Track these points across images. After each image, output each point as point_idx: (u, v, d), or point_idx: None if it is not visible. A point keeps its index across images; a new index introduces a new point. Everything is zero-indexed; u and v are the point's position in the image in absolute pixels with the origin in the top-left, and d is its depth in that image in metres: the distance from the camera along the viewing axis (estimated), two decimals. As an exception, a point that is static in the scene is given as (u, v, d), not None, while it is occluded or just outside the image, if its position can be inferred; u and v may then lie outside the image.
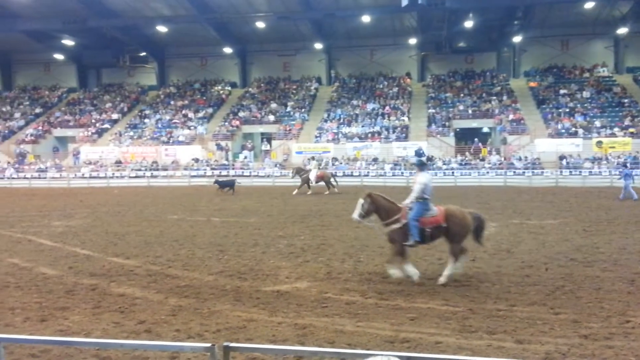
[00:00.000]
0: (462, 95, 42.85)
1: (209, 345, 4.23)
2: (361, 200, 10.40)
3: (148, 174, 37.59)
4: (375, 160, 37.06)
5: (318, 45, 45.55)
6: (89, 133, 43.06)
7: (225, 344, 4.20)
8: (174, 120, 43.81)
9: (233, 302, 8.96)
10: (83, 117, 45.63)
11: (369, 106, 42.73)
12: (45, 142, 43.88)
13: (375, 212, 10.37)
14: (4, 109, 48.16)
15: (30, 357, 6.76)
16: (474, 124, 40.81)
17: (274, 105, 44.29)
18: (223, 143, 40.39)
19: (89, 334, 7.64)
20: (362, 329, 7.62)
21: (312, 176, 27.63)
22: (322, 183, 28.03)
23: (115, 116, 45.65)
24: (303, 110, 43.61)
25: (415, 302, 8.79)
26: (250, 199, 25.38)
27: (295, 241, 14.24)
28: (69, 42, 45.53)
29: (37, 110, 47.63)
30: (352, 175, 35.41)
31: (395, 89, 44.73)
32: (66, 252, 13.26)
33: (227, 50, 46.90)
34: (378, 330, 7.58)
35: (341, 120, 41.43)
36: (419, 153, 35.93)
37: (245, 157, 39.77)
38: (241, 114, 43.73)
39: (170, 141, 41.03)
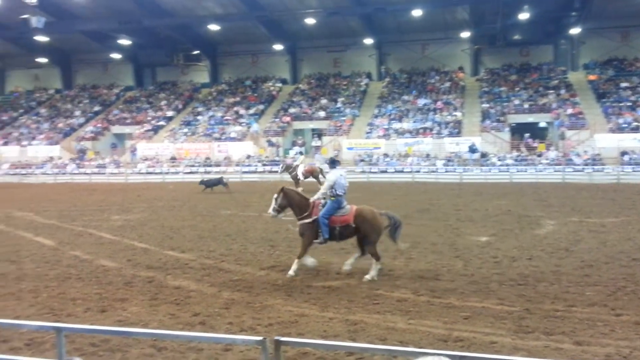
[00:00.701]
0: (517, 89, 41.65)
1: (260, 338, 4.27)
2: (275, 195, 10.64)
3: (201, 169, 38.35)
4: (427, 156, 36.57)
5: (368, 41, 45.27)
6: (145, 130, 44.31)
7: (277, 338, 4.22)
8: (225, 117, 44.53)
9: (284, 297, 9.03)
10: (139, 114, 46.98)
11: (421, 101, 42.18)
12: (104, 139, 45.44)
13: (289, 206, 10.56)
14: (65, 107, 50.17)
15: (90, 346, 7.00)
16: (530, 118, 39.60)
17: (324, 101, 44.36)
18: (274, 139, 40.78)
19: (147, 324, 7.86)
20: (414, 327, 7.54)
21: (300, 172, 26.46)
22: (311, 178, 26.53)
23: (170, 113, 46.79)
24: (353, 106, 43.49)
25: (469, 301, 8.62)
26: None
27: (345, 237, 14.19)
28: (125, 41, 46.94)
29: (96, 108, 49.35)
30: (403, 172, 35.04)
31: (448, 84, 43.96)
32: (124, 245, 13.70)
33: (278, 47, 47.25)
34: (430, 328, 7.48)
35: (392, 116, 41.07)
36: (472, 149, 35.21)
37: (296, 153, 40.03)
38: (292, 110, 44.01)
39: (223, 137, 41.73)
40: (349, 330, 7.41)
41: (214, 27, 43.51)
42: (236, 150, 39.96)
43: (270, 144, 40.45)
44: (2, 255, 12.72)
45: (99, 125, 46.44)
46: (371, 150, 37.83)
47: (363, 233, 10.17)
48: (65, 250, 13.26)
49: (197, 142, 41.51)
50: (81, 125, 46.92)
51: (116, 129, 46.21)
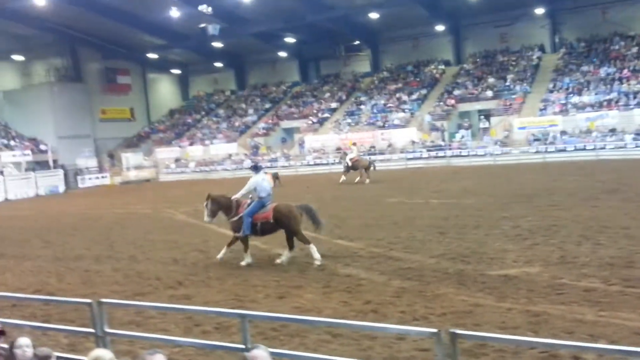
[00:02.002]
0: None
1: (435, 330, 4.07)
2: (205, 203, 11.82)
3: (366, 158, 38.77)
4: (612, 131, 32.95)
5: (539, 10, 41.93)
6: (312, 123, 46.03)
7: (452, 330, 3.98)
8: (388, 105, 44.50)
9: (457, 286, 8.69)
10: (305, 108, 48.93)
11: (603, 71, 38.07)
12: (275, 134, 48.11)
13: (220, 209, 11.80)
14: (240, 107, 54.08)
15: (272, 331, 7.36)
16: None
17: (491, 80, 42.16)
18: (438, 123, 39.81)
19: (321, 311, 8.06)
20: (606, 319, 6.76)
21: (347, 159, 26.94)
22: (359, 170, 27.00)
23: (333, 105, 48.03)
24: (524, 82, 40.68)
25: (673, 292, 7.51)
26: (471, 180, 24.53)
27: (521, 222, 13.31)
28: (290, 39, 49.11)
29: (267, 106, 52.42)
30: (585, 150, 32.03)
31: (635, 49, 39.06)
32: (297, 235, 14.26)
33: (439, 28, 45.90)
34: (625, 320, 6.65)
35: (570, 90, 37.66)
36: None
37: (463, 137, 38.64)
38: (456, 92, 42.53)
39: (386, 125, 41.78)
40: (530, 322, 6.87)
41: (373, 15, 43.60)
42: (400, 137, 39.72)
43: (435, 128, 39.55)
44: (193, 246, 14.01)
45: (270, 121, 49.27)
46: (546, 128, 35.13)
47: (284, 226, 11.42)
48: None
49: (360, 131, 42.07)
50: (254, 123, 50.18)
51: (285, 123, 48.63)
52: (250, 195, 11.66)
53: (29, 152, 43.56)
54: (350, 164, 27.40)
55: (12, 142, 46.87)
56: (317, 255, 10.97)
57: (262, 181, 11.54)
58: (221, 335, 7.25)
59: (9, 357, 4.39)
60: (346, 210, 18.02)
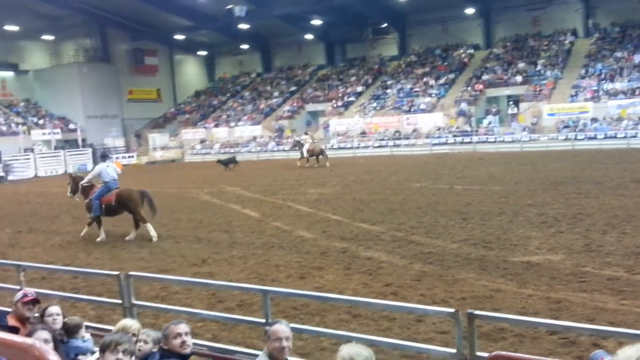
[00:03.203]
0: None
1: (452, 310, 4.11)
2: (68, 181, 14.19)
3: (391, 143, 38.64)
4: (643, 119, 32.23)
5: (572, -6, 40.99)
6: (337, 106, 45.90)
7: (470, 311, 4.01)
8: (414, 89, 44.10)
9: (478, 271, 8.68)
10: (331, 91, 48.77)
11: (637, 57, 37.11)
12: (300, 117, 48.11)
13: (77, 189, 13.73)
14: (265, 89, 54.17)
15: (292, 310, 7.49)
16: None
17: (521, 65, 41.41)
18: (466, 108, 39.35)
19: (342, 292, 8.16)
20: (628, 308, 6.71)
21: (305, 150, 28.91)
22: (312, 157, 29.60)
23: (359, 89, 47.78)
24: (556, 67, 39.87)
25: (701, 283, 7.40)
26: (496, 166, 24.28)
27: (547, 210, 13.18)
28: (317, 21, 48.84)
29: (292, 88, 52.38)
30: (615, 138, 31.38)
31: (671, 35, 38.01)
32: (320, 218, 14.38)
33: (469, 10, 45.15)
34: (648, 310, 6.59)
35: (602, 76, 36.81)
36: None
37: (490, 123, 38.16)
38: (485, 77, 41.91)
39: (412, 110, 41.45)
40: (551, 309, 6.85)
41: (402, -3, 43.14)
42: (426, 122, 39.40)
43: (462, 113, 39.12)
44: (217, 225, 14.22)
45: (295, 104, 49.26)
46: (577, 115, 34.47)
47: (125, 208, 13.08)
48: (269, 221, 14.35)
49: (386, 115, 41.83)
50: (279, 106, 50.23)
51: (310, 107, 48.58)
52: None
53: (58, 130, 44.44)
54: (306, 153, 29.73)
55: (42, 121, 47.89)
56: (153, 233, 12.79)
57: (107, 168, 13.37)
58: (243, 312, 7.39)
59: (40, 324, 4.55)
60: (370, 194, 18.03)
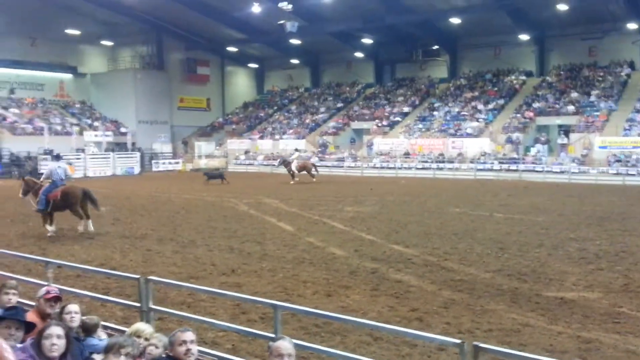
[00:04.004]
0: None
1: (458, 341, 4.01)
2: (22, 183, 15.48)
3: (434, 165, 38.22)
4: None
5: (632, 25, 39.72)
6: (382, 125, 45.79)
7: (475, 343, 3.90)
8: (462, 113, 43.59)
9: (509, 303, 8.43)
10: (377, 110, 48.72)
11: (697, 93, 35.72)
12: (344, 134, 48.17)
13: (29, 190, 15.07)
14: (312, 104, 54.57)
15: (314, 327, 7.44)
16: None
17: (574, 95, 40.40)
18: (514, 136, 38.59)
19: (366, 313, 8.05)
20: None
21: (294, 166, 29.48)
22: (304, 172, 30.39)
23: (406, 109, 47.56)
24: (610, 99, 38.73)
25: None
26: (541, 196, 23.66)
27: (588, 245, 12.72)
28: (368, 40, 49.03)
29: (339, 105, 52.58)
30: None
31: None
32: (353, 236, 14.30)
33: (523, 37, 44.44)
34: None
35: (659, 111, 35.56)
36: None
37: (538, 151, 37.27)
38: (536, 104, 41.05)
39: (458, 133, 40.95)
40: (580, 349, 6.57)
41: (455, 20, 42.83)
42: (471, 146, 38.82)
43: (510, 141, 38.37)
44: (251, 236, 14.32)
45: (340, 121, 49.39)
46: (629, 149, 33.33)
47: (67, 204, 14.37)
48: (302, 236, 14.36)
49: (431, 137, 41.45)
50: (325, 121, 50.47)
51: (355, 124, 48.60)
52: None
53: (110, 133, 45.83)
54: (297, 170, 30.27)
55: (95, 123, 49.59)
56: (91, 228, 14.55)
57: (58, 168, 14.71)
58: (265, 325, 7.37)
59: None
60: (407, 216, 17.84)
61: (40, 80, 51.27)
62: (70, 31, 49.58)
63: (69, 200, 14.35)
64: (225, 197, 23.60)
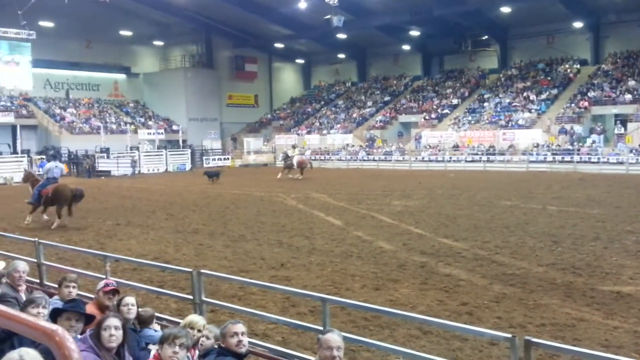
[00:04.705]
0: None
1: (509, 336, 3.96)
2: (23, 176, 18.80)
3: (484, 158, 37.50)
4: None
5: (693, 9, 37.86)
6: (430, 118, 45.24)
7: (527, 338, 3.84)
8: (513, 104, 42.55)
9: (563, 298, 8.23)
10: (425, 103, 48.15)
11: None
12: (392, 128, 47.88)
13: (28, 180, 17.55)
14: (359, 98, 54.42)
15: (363, 320, 7.47)
16: None
17: (632, 83, 38.76)
18: (568, 126, 37.40)
19: (415, 307, 8.02)
20: None
21: (295, 161, 29.55)
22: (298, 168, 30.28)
23: (455, 101, 46.81)
24: (670, 86, 37.04)
25: None
26: (597, 188, 22.88)
27: (647, 238, 12.25)
28: (415, 32, 48.48)
29: (386, 99, 52.25)
30: None
31: None
32: (402, 230, 14.23)
33: (577, 24, 42.93)
34: None
35: None
36: None
37: (594, 142, 36.00)
38: (591, 93, 39.63)
39: (509, 125, 40.01)
40: (636, 344, 6.37)
41: (505, 9, 41.87)
42: (523, 138, 37.85)
43: (563, 131, 37.21)
44: (299, 231, 14.46)
45: (388, 114, 49.09)
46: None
47: (55, 200, 15.63)
48: (350, 230, 14.39)
49: (481, 129, 40.67)
50: (372, 115, 50.27)
51: (403, 118, 48.21)
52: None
53: (162, 131, 47.07)
54: (297, 166, 29.94)
55: (148, 122, 51.04)
56: (57, 223, 15.58)
57: (54, 167, 16.35)
58: (314, 318, 7.44)
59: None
60: (456, 209, 17.60)
61: (95, 81, 53.19)
62: (124, 32, 51.15)
63: (59, 198, 15.67)
64: (274, 192, 23.88)
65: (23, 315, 1.86)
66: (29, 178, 17.86)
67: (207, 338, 4.26)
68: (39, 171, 18.18)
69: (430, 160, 39.22)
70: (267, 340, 6.50)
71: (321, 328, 5.15)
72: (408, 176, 31.88)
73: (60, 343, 1.63)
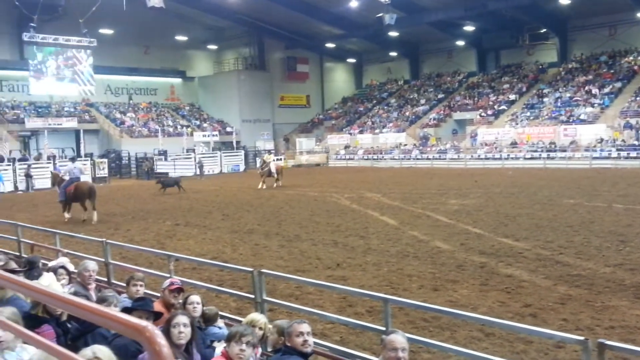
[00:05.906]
0: None
1: (582, 338, 3.78)
2: (50, 175, 22.22)
3: (544, 155, 36.33)
4: None
5: None
6: (486, 115, 44.22)
7: (600, 340, 3.65)
8: (575, 98, 41.05)
9: (632, 299, 7.86)
10: (481, 99, 47.12)
11: None
12: (446, 125, 47.10)
13: (55, 183, 19.26)
14: (412, 97, 53.82)
15: (422, 321, 7.36)
16: None
17: (701, 73, 36.79)
18: (633, 120, 35.77)
19: (475, 308, 7.83)
20: None
21: (273, 168, 28.40)
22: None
23: (512, 97, 45.59)
24: None
25: None
26: (665, 185, 21.80)
27: None
28: (469, 27, 47.52)
29: (440, 96, 51.45)
30: None
31: None
32: (459, 229, 13.95)
33: (641, 14, 41.09)
34: None
35: None
36: None
37: (269, 152, 34.60)
38: (657, 86, 37.82)
39: (570, 120, 38.62)
40: None
41: (564, 1, 40.47)
42: (586, 133, 36.42)
43: (628, 126, 35.61)
44: (354, 231, 14.41)
45: (442, 112, 48.33)
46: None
47: (77, 197, 17.43)
48: (405, 229, 14.22)
49: (540, 125, 39.43)
50: (425, 113, 49.62)
51: (457, 115, 47.36)
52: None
53: (216, 132, 48.00)
54: (274, 171, 28.47)
55: (203, 124, 52.17)
56: (95, 218, 17.25)
57: (74, 168, 18.28)
58: (372, 318, 7.40)
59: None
60: (516, 208, 17.12)
61: (153, 86, 54.84)
62: (179, 38, 52.53)
63: (79, 194, 17.55)
64: (328, 192, 23.92)
65: (116, 313, 1.94)
66: (56, 179, 19.65)
67: (271, 334, 4.35)
68: (61, 174, 19.79)
69: (486, 158, 38.33)
70: (325, 339, 6.48)
71: (382, 328, 5.10)
72: (463, 175, 31.27)
73: (151, 338, 1.70)
